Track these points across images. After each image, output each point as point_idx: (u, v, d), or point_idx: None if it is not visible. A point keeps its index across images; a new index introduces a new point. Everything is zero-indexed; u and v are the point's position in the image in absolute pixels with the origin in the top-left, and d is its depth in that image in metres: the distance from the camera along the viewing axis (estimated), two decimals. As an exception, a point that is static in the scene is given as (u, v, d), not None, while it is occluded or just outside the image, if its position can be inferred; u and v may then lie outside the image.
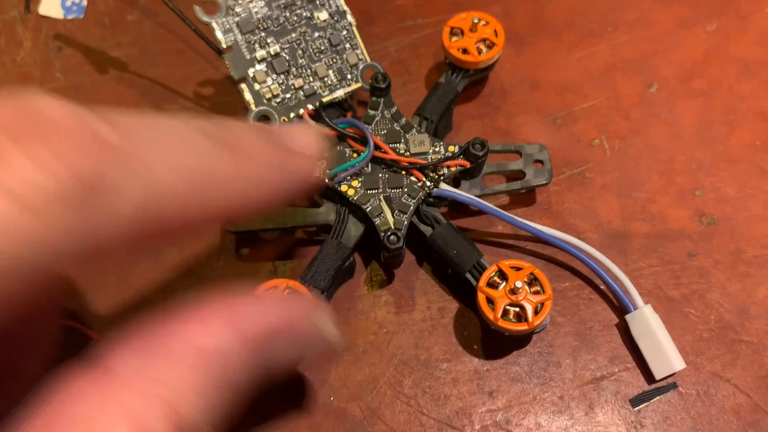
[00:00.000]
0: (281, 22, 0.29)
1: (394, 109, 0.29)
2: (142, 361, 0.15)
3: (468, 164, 0.28)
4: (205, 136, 0.17)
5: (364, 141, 0.28)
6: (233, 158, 0.17)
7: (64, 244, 0.14)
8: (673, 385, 0.26)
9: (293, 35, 0.29)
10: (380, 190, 0.28)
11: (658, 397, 0.26)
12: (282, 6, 0.29)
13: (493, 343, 0.27)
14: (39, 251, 0.13)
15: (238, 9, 0.28)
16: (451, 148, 0.28)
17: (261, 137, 0.19)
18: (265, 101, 0.29)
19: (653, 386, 0.26)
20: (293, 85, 0.29)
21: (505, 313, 0.25)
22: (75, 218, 0.14)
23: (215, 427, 0.16)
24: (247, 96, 0.29)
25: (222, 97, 0.33)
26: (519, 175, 0.29)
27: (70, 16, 0.32)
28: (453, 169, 0.28)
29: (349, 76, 0.30)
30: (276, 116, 0.29)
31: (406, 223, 0.27)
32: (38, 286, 0.14)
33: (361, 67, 0.30)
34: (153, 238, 0.16)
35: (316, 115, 0.29)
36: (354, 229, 0.28)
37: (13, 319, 0.14)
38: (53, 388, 0.15)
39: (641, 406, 0.26)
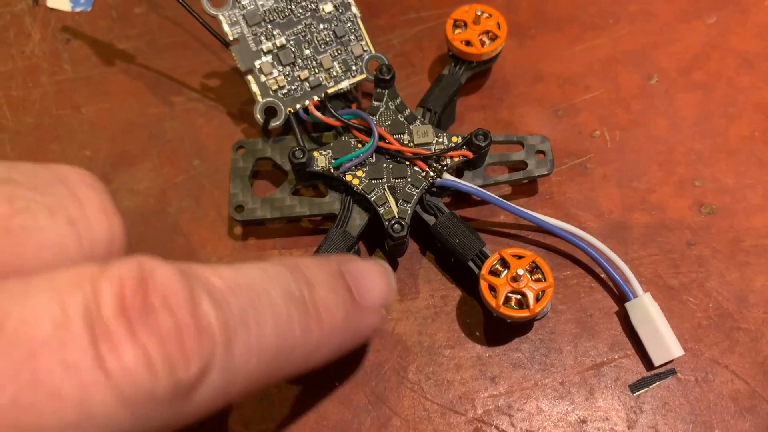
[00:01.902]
0: (287, 14, 0.29)
1: (398, 101, 0.29)
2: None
3: (471, 155, 0.28)
4: (290, 300, 0.17)
5: (368, 132, 0.29)
6: (308, 325, 0.17)
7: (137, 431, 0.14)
8: (672, 371, 0.27)
9: (299, 27, 0.30)
10: (384, 180, 0.28)
11: (657, 383, 0.27)
12: (288, -2, 0.29)
13: (495, 330, 0.28)
14: None
15: (244, 1, 0.29)
16: (454, 139, 0.29)
17: (341, 296, 0.19)
18: (271, 93, 0.29)
19: (652, 372, 0.27)
20: (299, 76, 0.29)
21: (507, 300, 0.26)
22: (162, 415, 0.14)
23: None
24: (254, 88, 0.29)
25: (228, 89, 0.33)
26: (521, 165, 0.30)
27: (78, 9, 0.32)
28: (456, 159, 0.28)
29: (354, 68, 0.30)
30: (282, 107, 0.29)
31: (409, 212, 0.28)
32: None
33: (365, 58, 0.30)
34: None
35: (321, 106, 0.30)
36: (358, 219, 0.28)
37: None
38: None
39: (640, 392, 0.27)
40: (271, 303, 0.16)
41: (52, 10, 0.35)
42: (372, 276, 0.21)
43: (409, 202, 0.28)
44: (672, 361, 0.27)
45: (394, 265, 0.29)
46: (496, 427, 0.26)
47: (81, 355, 0.13)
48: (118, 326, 0.13)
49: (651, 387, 0.27)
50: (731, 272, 0.29)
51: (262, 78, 0.29)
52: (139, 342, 0.13)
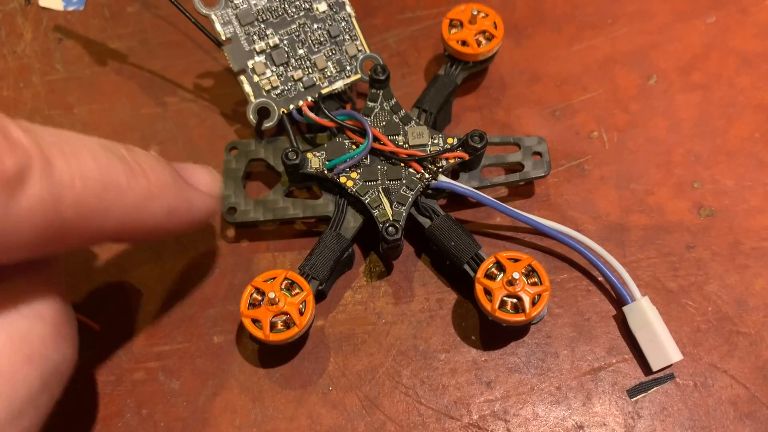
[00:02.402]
0: (280, 13, 0.29)
1: (393, 101, 0.29)
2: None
3: (467, 156, 0.28)
4: (109, 151, 0.19)
5: (363, 133, 0.28)
6: (132, 173, 0.20)
7: None
8: (671, 376, 0.26)
9: (292, 27, 0.29)
10: (379, 182, 0.28)
11: (655, 388, 0.26)
12: (281, -3, 0.29)
13: (491, 334, 0.27)
14: None
15: (237, 1, 0.28)
16: (449, 141, 0.28)
17: (161, 163, 0.21)
18: (264, 93, 0.29)
19: (650, 377, 0.26)
20: (292, 76, 0.29)
21: (503, 304, 0.25)
22: None
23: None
24: (247, 88, 0.29)
25: (221, 89, 0.33)
26: (518, 167, 0.29)
27: (71, 8, 0.32)
28: (452, 161, 0.28)
29: (348, 68, 0.30)
30: (275, 108, 0.29)
31: (404, 214, 0.27)
32: None
33: (360, 58, 0.30)
34: (56, 240, 0.18)
35: (315, 107, 0.29)
36: (353, 221, 0.28)
37: None
38: None
39: (638, 397, 0.26)
40: (88, 146, 0.19)
41: (44, 9, 0.35)
42: (195, 166, 0.24)
43: (404, 205, 0.27)
44: (670, 365, 0.26)
45: (389, 268, 0.29)
46: (492, 433, 0.26)
47: None
48: None
49: (649, 392, 0.26)
50: (730, 275, 0.28)
51: (255, 78, 0.29)
52: None
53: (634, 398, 0.26)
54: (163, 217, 0.21)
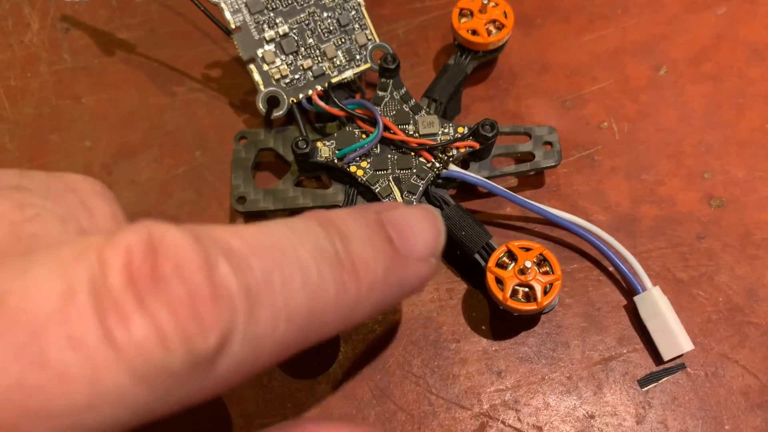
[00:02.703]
0: (290, 2, 0.29)
1: (403, 91, 0.29)
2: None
3: (477, 145, 0.28)
4: (322, 258, 0.15)
5: (373, 122, 0.28)
6: (343, 285, 0.16)
7: (157, 407, 0.13)
8: (682, 366, 0.26)
9: (302, 15, 0.29)
10: (389, 171, 0.28)
11: (666, 378, 0.26)
12: (291, -14, 0.29)
13: (502, 324, 0.27)
14: (136, 414, 0.13)
15: (247, -11, 0.28)
16: (460, 130, 0.28)
17: (380, 247, 0.17)
18: (273, 82, 0.29)
19: (661, 367, 0.26)
20: (302, 65, 0.29)
21: (514, 293, 0.25)
22: (181, 389, 0.13)
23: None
24: (256, 77, 0.29)
25: (230, 79, 0.33)
26: (528, 157, 0.29)
27: (78, -2, 0.32)
28: (462, 150, 0.28)
29: (358, 57, 0.30)
30: (285, 97, 0.29)
31: (415, 203, 0.27)
32: None
33: (370, 47, 0.30)
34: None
35: (324, 96, 0.29)
36: (363, 211, 0.28)
37: None
38: None
39: (649, 387, 0.26)
40: (300, 261, 0.15)
41: (51, -2, 0.35)
42: (417, 222, 0.19)
43: (414, 194, 0.27)
44: (681, 355, 0.26)
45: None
46: (503, 422, 0.26)
47: (88, 330, 0.12)
48: (126, 297, 0.12)
49: (660, 382, 0.26)
50: (741, 266, 0.28)
51: (265, 67, 0.29)
52: (149, 312, 0.12)
53: (645, 388, 0.26)
54: (362, 319, 0.17)
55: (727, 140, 0.31)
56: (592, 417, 0.26)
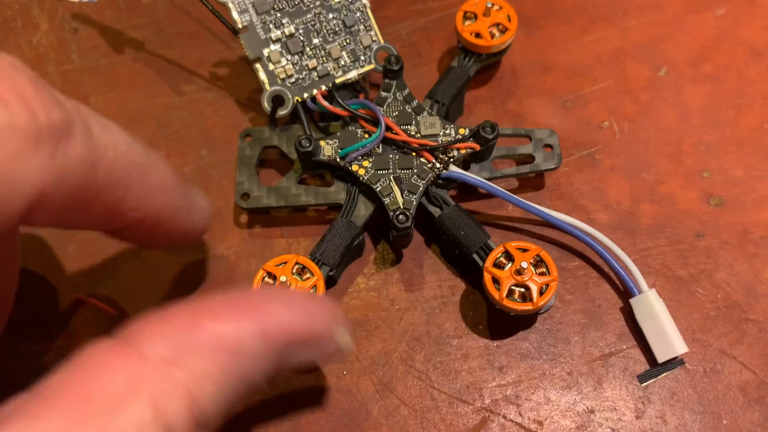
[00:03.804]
0: (296, 2, 0.29)
1: (406, 92, 0.29)
2: (170, 348, 0.16)
3: (478, 147, 0.28)
4: (131, 138, 0.20)
5: (375, 122, 0.28)
6: (150, 161, 0.21)
7: (29, 179, 0.16)
8: (681, 362, 0.27)
9: (308, 16, 0.29)
10: (390, 171, 0.28)
11: (665, 374, 0.27)
12: (296, -13, 0.29)
13: (501, 321, 0.28)
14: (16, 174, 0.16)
15: (253, -10, 0.29)
16: (461, 131, 0.29)
17: (169, 165, 0.22)
18: (279, 81, 0.29)
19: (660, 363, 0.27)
20: (307, 65, 0.29)
21: (511, 293, 0.26)
22: (26, 161, 0.16)
23: (225, 415, 0.16)
24: (262, 76, 0.29)
25: (236, 79, 0.33)
26: (528, 159, 0.30)
27: (86, -1, 0.32)
28: (463, 151, 0.28)
29: (362, 58, 0.30)
30: (290, 96, 0.29)
31: (415, 203, 0.27)
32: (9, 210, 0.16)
33: (374, 48, 0.30)
34: (84, 204, 0.19)
35: (328, 96, 0.30)
36: (364, 209, 0.28)
37: None
38: (85, 359, 0.16)
39: (648, 382, 0.27)
40: (116, 127, 0.20)
41: (59, 0, 0.35)
42: (192, 188, 0.25)
43: (414, 193, 0.28)
44: (676, 357, 0.26)
45: (399, 256, 0.29)
46: (504, 417, 0.26)
47: None
48: None
49: (659, 377, 0.27)
50: (740, 263, 0.28)
51: (271, 66, 0.29)
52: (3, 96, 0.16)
53: (645, 384, 0.26)
54: (170, 212, 0.22)
55: (726, 140, 0.31)
56: (592, 412, 0.26)
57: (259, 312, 0.17)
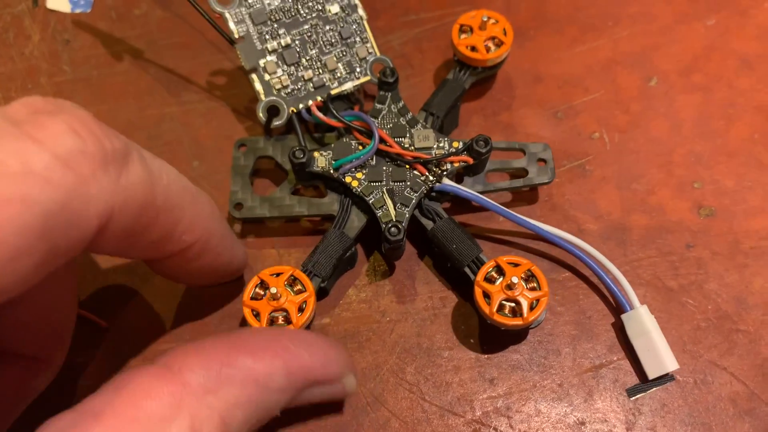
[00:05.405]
0: (293, 14, 0.29)
1: (400, 104, 0.29)
2: (208, 377, 0.18)
3: (471, 160, 0.28)
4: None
5: (369, 134, 0.29)
6: (197, 190, 0.23)
7: (101, 199, 0.17)
8: (671, 378, 0.27)
9: (305, 27, 0.30)
10: (384, 183, 0.28)
11: (655, 388, 0.27)
12: (293, -2, 0.29)
13: (492, 334, 0.28)
14: (79, 203, 0.17)
15: (251, 0, 0.29)
16: (455, 144, 0.29)
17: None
18: (274, 92, 0.29)
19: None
20: (303, 76, 0.30)
21: (501, 307, 0.26)
22: (97, 181, 0.17)
23: None
24: (257, 86, 0.29)
25: (227, 91, 0.33)
26: (522, 173, 0.30)
27: (78, 10, 0.32)
28: (456, 164, 0.28)
29: (358, 70, 0.30)
30: (285, 107, 0.29)
31: (407, 216, 0.27)
32: (70, 241, 0.17)
33: (370, 60, 0.30)
34: (144, 226, 0.20)
35: (323, 107, 0.30)
36: (356, 220, 0.28)
37: (49, 269, 0.17)
38: (129, 381, 0.18)
39: (638, 396, 0.27)
40: (161, 159, 0.21)
41: (51, 11, 0.35)
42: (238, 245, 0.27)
43: (407, 206, 0.28)
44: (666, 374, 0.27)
45: (392, 268, 0.29)
46: (495, 429, 0.26)
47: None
48: (44, 117, 0.17)
49: (649, 391, 0.27)
50: (730, 274, 0.29)
51: (266, 77, 0.29)
52: (64, 120, 0.18)
53: (634, 397, 0.27)
54: (218, 238, 0.24)
55: (717, 150, 0.31)
56: (582, 423, 0.26)
57: (286, 353, 0.20)
